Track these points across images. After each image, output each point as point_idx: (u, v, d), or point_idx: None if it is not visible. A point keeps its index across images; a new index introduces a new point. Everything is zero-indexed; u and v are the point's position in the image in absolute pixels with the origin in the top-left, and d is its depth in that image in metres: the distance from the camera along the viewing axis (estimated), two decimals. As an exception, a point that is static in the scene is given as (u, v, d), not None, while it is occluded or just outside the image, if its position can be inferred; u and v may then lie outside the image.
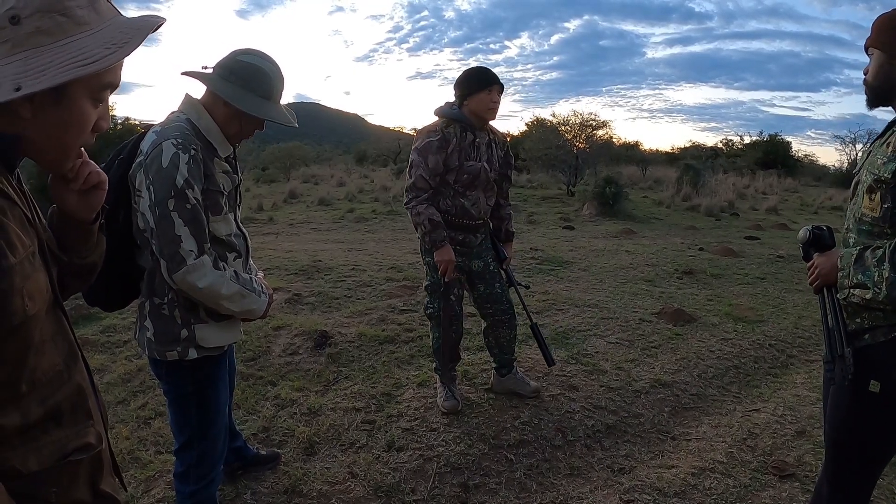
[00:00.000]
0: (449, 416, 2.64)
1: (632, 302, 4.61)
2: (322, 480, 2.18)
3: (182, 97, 1.59)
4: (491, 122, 2.66)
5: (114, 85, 0.80)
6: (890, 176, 1.29)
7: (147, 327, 1.55)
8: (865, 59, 1.43)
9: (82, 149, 0.84)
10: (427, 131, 2.56)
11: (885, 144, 1.35)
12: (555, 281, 5.28)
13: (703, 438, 2.62)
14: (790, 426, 2.72)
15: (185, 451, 1.67)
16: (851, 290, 1.36)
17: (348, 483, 2.18)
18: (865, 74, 1.43)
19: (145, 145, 1.46)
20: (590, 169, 15.45)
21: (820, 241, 1.51)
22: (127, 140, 1.57)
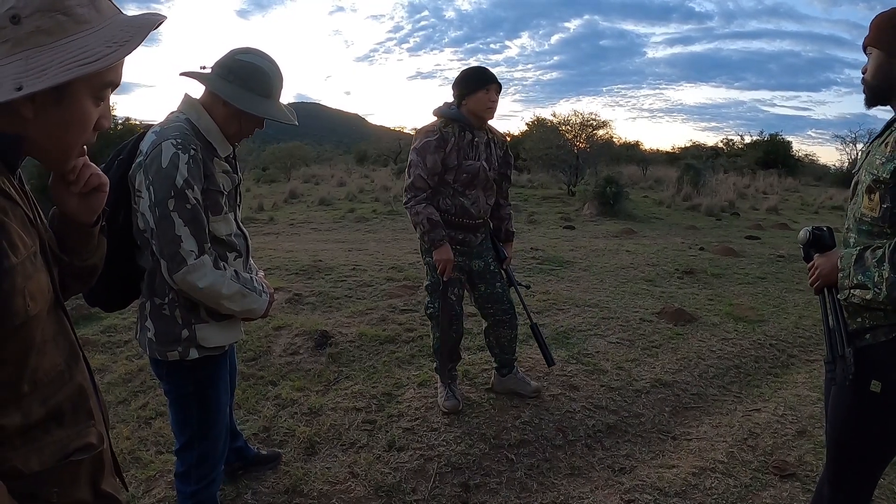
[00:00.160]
0: (449, 416, 2.64)
1: (632, 302, 4.61)
2: (323, 480, 2.18)
3: (181, 97, 1.59)
4: (490, 122, 2.66)
5: (115, 83, 0.80)
6: (888, 176, 1.29)
7: (148, 328, 1.55)
8: (865, 58, 1.43)
9: (82, 154, 0.84)
10: (425, 131, 2.57)
11: (884, 144, 1.35)
12: (555, 281, 5.28)
13: (704, 438, 2.62)
14: (791, 426, 2.72)
15: (186, 452, 1.67)
16: (852, 291, 1.36)
17: (349, 483, 2.18)
18: (864, 73, 1.43)
19: (145, 146, 1.46)
20: (590, 169, 15.43)
21: (820, 242, 1.51)
22: (126, 140, 1.57)
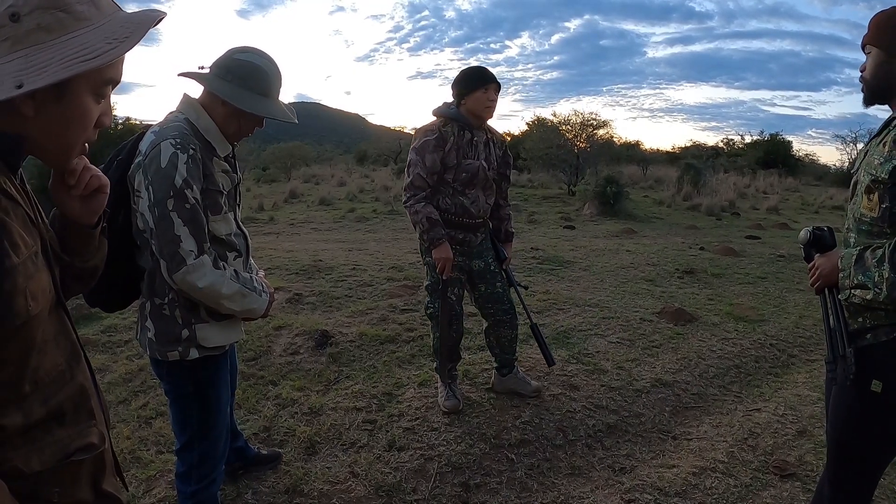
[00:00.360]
0: (450, 416, 2.64)
1: (633, 301, 4.61)
2: (323, 480, 2.18)
3: (180, 97, 1.59)
4: (489, 122, 2.66)
5: (115, 80, 0.80)
6: (887, 176, 1.29)
7: (148, 328, 1.55)
8: (865, 57, 1.43)
9: (84, 151, 0.84)
10: (424, 130, 2.57)
11: (882, 144, 1.35)
12: (555, 280, 5.28)
13: (704, 438, 2.62)
14: (791, 426, 2.72)
15: (187, 451, 1.67)
16: (852, 291, 1.36)
17: (349, 482, 2.18)
18: (862, 72, 1.42)
19: (144, 146, 1.46)
20: (590, 168, 15.44)
21: (821, 242, 1.52)
22: (126, 141, 1.57)
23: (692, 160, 19.69)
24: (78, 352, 0.87)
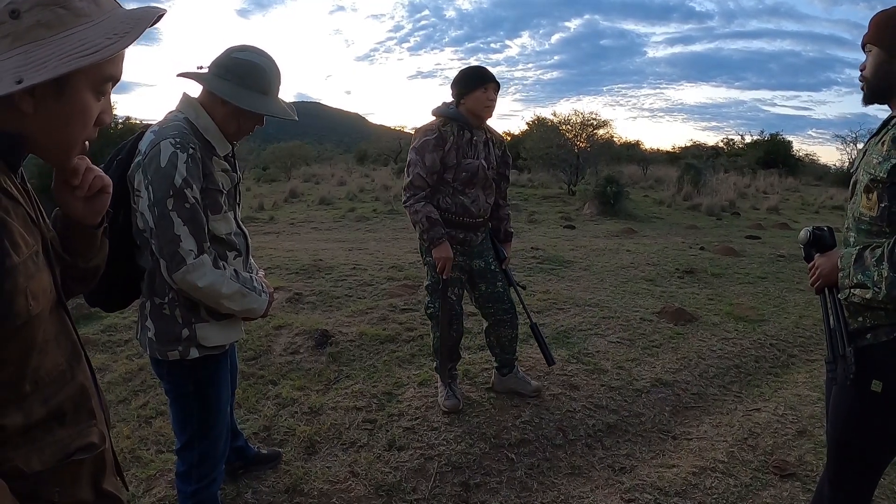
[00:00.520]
0: (450, 416, 2.64)
1: (633, 301, 4.61)
2: (323, 479, 2.18)
3: (180, 96, 1.59)
4: (489, 122, 2.67)
5: (115, 77, 0.80)
6: (885, 175, 1.29)
7: (148, 327, 1.55)
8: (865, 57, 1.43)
9: (84, 150, 0.84)
10: (424, 130, 2.57)
11: (880, 143, 1.35)
12: (556, 280, 5.28)
13: (704, 438, 2.62)
14: (791, 425, 2.72)
15: (187, 451, 1.67)
16: (852, 290, 1.36)
17: (349, 482, 2.18)
18: (862, 71, 1.43)
19: (143, 145, 1.46)
20: (591, 168, 15.44)
21: (821, 242, 1.52)
22: (125, 140, 1.57)
23: (692, 160, 19.69)
24: (78, 351, 0.87)
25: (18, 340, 0.73)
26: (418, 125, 2.71)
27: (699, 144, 35.00)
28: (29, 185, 0.82)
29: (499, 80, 2.57)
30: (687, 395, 3.03)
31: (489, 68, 2.60)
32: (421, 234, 2.56)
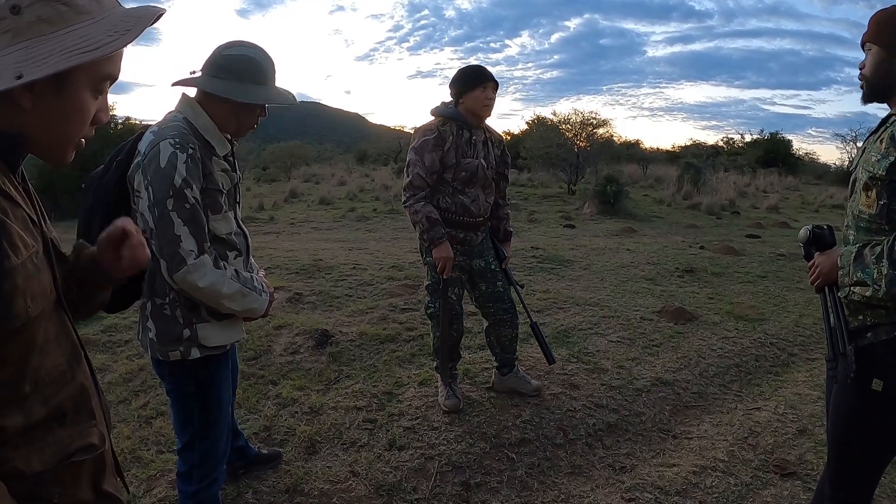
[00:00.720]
0: (450, 415, 2.64)
1: (633, 300, 4.61)
2: (323, 479, 2.18)
3: (179, 97, 1.59)
4: (488, 121, 2.67)
5: (114, 76, 0.80)
6: (884, 173, 1.29)
7: (149, 328, 1.55)
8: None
9: (80, 147, 0.83)
10: (423, 130, 2.57)
11: (879, 141, 1.35)
12: (556, 279, 5.28)
13: (705, 437, 2.62)
14: (791, 424, 2.72)
15: (188, 451, 1.67)
16: (852, 288, 1.36)
17: (350, 482, 2.18)
18: (861, 69, 1.42)
19: (143, 146, 1.46)
20: (591, 167, 15.43)
21: (820, 240, 1.52)
22: (125, 141, 1.57)
23: (692, 159, 19.68)
24: (78, 352, 0.87)
25: (18, 341, 0.73)
26: (418, 125, 2.71)
27: (699, 143, 35.00)
28: (30, 184, 0.82)
29: (498, 80, 2.57)
30: (687, 394, 3.03)
31: (489, 68, 2.60)
32: (421, 234, 2.56)
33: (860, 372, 1.35)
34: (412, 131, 2.85)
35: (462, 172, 2.54)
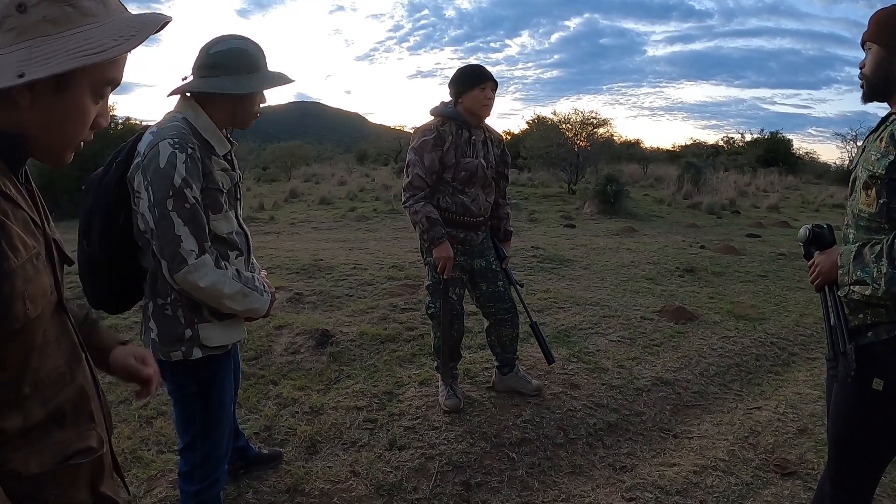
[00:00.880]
0: (451, 415, 2.65)
1: (633, 300, 4.60)
2: (324, 479, 2.19)
3: (178, 98, 1.58)
4: (487, 121, 2.66)
5: (116, 81, 0.80)
6: (884, 172, 1.29)
7: (151, 328, 1.55)
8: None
9: (79, 150, 0.83)
10: (422, 130, 2.57)
11: (878, 140, 1.35)
12: (556, 279, 5.28)
13: (705, 436, 2.62)
14: (792, 424, 2.72)
15: (190, 451, 1.67)
16: (852, 287, 1.36)
17: (350, 482, 2.18)
18: (861, 68, 1.42)
19: (142, 146, 1.46)
20: (591, 167, 15.44)
21: (820, 240, 1.52)
22: (124, 142, 1.57)
23: (692, 158, 19.69)
24: (79, 353, 0.87)
25: (18, 342, 0.73)
26: (418, 125, 2.71)
27: (699, 143, 35.02)
28: (33, 185, 0.82)
29: (498, 80, 2.57)
30: (688, 393, 3.03)
31: (489, 67, 2.60)
32: (421, 235, 2.56)
33: (860, 371, 1.35)
34: (412, 131, 2.85)
35: (462, 172, 2.54)
